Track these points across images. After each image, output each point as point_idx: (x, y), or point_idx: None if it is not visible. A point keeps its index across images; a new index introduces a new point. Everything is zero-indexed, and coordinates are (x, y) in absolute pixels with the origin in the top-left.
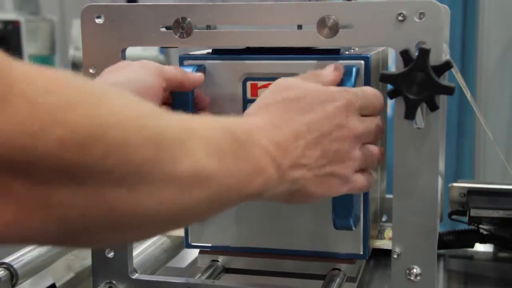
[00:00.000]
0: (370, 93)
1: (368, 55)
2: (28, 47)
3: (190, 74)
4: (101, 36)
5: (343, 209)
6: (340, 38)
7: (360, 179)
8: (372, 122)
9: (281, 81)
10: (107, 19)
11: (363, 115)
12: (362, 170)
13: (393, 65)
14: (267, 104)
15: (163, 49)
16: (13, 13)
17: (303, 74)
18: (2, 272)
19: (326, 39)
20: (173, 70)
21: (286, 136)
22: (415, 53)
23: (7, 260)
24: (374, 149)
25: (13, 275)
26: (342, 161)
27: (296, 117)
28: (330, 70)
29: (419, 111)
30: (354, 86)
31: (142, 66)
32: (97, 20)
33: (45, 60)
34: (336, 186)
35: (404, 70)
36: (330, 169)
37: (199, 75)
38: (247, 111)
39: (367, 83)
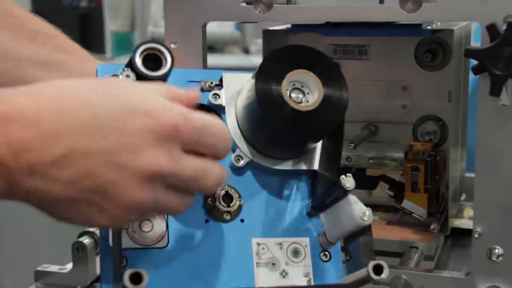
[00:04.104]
0: (215, 130)
1: None
2: (110, 24)
3: None
4: (183, 11)
5: None
6: (423, 12)
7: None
8: (204, 166)
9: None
10: None
11: (192, 152)
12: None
13: (473, 41)
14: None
15: (239, 25)
16: None
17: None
18: (88, 240)
19: (409, 14)
20: None
21: (44, 130)
22: (502, 27)
23: (91, 229)
24: (182, 201)
25: (97, 244)
26: (112, 199)
27: (80, 106)
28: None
29: (505, 87)
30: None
31: None
32: None
33: (125, 36)
34: (98, 220)
35: (491, 45)
36: (98, 199)
37: None
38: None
39: None
